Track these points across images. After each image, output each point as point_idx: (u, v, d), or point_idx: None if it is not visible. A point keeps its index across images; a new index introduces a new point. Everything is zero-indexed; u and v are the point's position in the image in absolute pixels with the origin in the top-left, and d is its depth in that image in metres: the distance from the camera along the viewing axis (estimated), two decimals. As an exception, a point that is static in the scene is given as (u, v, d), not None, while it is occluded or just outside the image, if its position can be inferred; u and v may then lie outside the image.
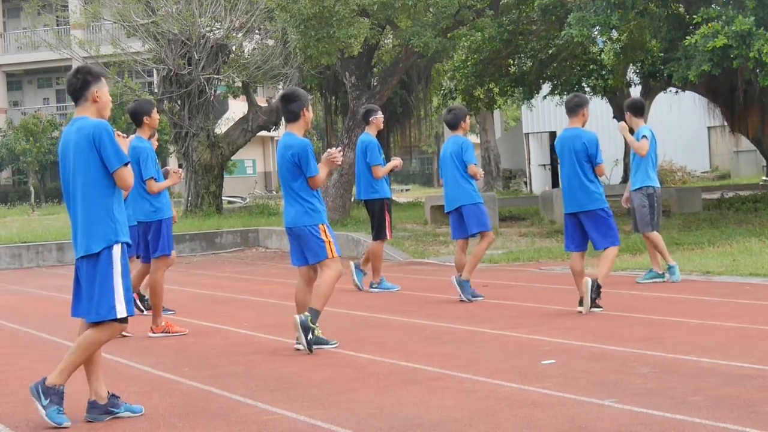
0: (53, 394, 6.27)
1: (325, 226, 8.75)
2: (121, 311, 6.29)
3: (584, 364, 7.68)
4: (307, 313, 8.66)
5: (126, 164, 6.34)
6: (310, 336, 8.61)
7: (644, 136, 12.40)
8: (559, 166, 10.95)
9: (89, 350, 6.34)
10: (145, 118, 9.95)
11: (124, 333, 9.80)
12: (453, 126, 12.01)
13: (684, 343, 8.34)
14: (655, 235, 12.43)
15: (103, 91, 6.45)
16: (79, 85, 6.43)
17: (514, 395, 6.68)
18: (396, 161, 13.66)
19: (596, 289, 10.24)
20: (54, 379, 6.31)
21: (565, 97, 26.33)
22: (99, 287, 6.28)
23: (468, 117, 12.27)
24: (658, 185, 12.62)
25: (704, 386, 6.66)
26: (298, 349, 8.70)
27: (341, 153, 8.96)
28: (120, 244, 6.35)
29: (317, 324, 8.74)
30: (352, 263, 13.69)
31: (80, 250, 6.36)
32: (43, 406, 6.25)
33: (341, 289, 13.62)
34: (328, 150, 8.96)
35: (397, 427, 5.96)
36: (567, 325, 9.65)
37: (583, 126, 10.67)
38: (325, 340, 8.88)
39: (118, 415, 6.46)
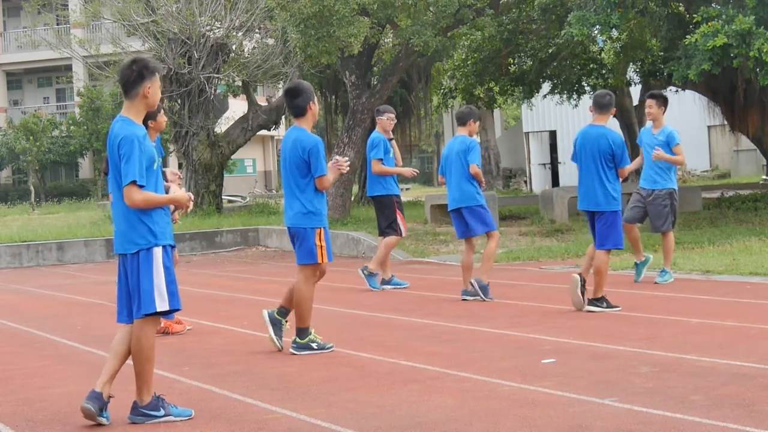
0: (156, 407, 6.35)
1: (322, 230, 8.61)
2: (161, 305, 6.27)
3: (584, 363, 7.68)
4: (278, 317, 8.80)
5: (132, 183, 6.16)
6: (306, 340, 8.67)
7: (678, 144, 12.29)
8: (572, 160, 10.84)
9: (146, 351, 6.34)
10: (150, 122, 9.79)
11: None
12: (462, 121, 11.97)
13: (684, 342, 8.34)
14: (672, 236, 12.46)
15: (155, 87, 6.33)
16: (133, 78, 6.32)
17: (514, 394, 6.68)
18: (407, 169, 13.73)
19: (593, 302, 10.34)
20: (142, 397, 6.35)
21: (566, 95, 26.37)
22: (140, 284, 6.27)
23: (479, 120, 12.25)
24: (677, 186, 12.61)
25: (704, 385, 6.67)
26: (293, 353, 8.65)
27: (348, 162, 8.86)
28: (160, 247, 6.31)
29: (313, 331, 8.71)
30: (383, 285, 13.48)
31: (118, 248, 6.38)
32: (163, 416, 6.34)
33: (341, 289, 13.62)
34: (336, 157, 8.86)
35: (397, 426, 5.97)
36: (567, 325, 9.65)
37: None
38: (323, 345, 8.77)
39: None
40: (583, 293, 10.36)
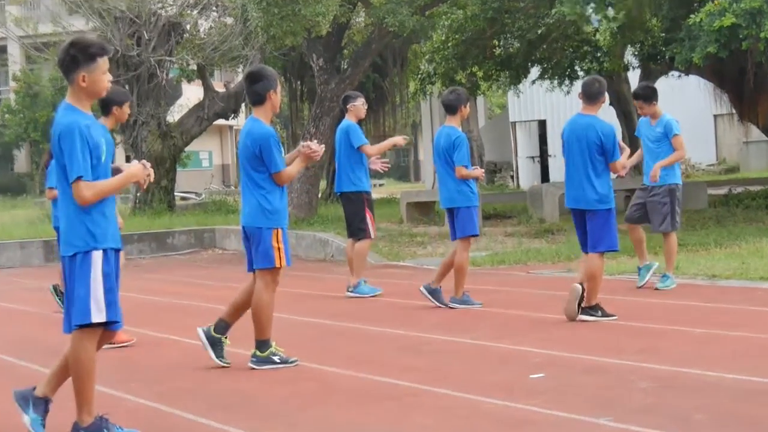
0: (99, 428, 6.28)
1: (280, 231, 8.57)
2: (97, 316, 6.16)
3: (577, 378, 7.70)
4: (212, 328, 8.79)
5: (79, 178, 6.05)
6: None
7: (676, 134, 12.25)
8: (562, 153, 10.80)
9: (85, 367, 6.28)
10: (114, 108, 9.72)
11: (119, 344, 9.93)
12: (452, 109, 11.96)
13: (687, 355, 8.37)
14: (674, 238, 12.47)
15: (95, 75, 6.14)
16: (66, 63, 6.16)
17: (499, 413, 6.69)
18: (398, 138, 13.71)
19: (587, 310, 10.33)
20: (82, 418, 6.28)
21: (557, 80, 26.43)
22: (74, 291, 6.20)
23: (468, 102, 12.24)
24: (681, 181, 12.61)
25: (709, 402, 6.69)
26: (253, 368, 8.61)
27: (322, 147, 8.81)
28: (100, 251, 6.22)
29: (274, 344, 8.69)
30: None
31: (61, 249, 6.30)
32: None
33: (306, 296, 13.60)
34: (307, 143, 8.79)
35: (368, 449, 5.96)
36: (558, 335, 9.67)
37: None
38: (285, 358, 8.74)
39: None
40: (579, 304, 10.33)
